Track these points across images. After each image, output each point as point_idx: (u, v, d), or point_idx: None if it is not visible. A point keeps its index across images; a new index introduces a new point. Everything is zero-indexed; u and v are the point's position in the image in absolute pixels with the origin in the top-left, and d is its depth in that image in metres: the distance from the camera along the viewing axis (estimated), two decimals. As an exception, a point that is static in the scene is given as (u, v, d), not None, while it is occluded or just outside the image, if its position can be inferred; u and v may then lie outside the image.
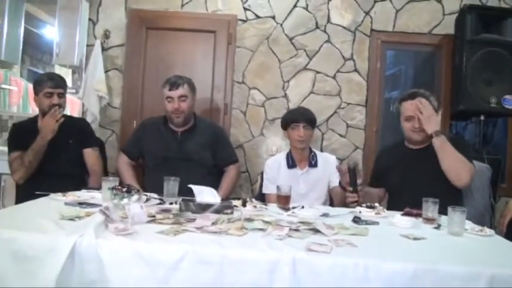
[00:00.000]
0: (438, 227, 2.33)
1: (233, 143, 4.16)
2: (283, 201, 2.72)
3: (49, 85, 3.29)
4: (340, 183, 3.06)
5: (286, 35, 4.54)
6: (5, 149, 4.19)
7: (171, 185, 2.68)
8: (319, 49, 4.54)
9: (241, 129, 4.57)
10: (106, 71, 4.52)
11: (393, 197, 3.18)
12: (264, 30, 4.54)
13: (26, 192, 3.01)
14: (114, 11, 4.59)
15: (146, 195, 2.67)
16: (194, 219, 2.10)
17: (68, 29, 4.39)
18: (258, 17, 4.55)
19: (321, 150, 4.19)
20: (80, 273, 1.66)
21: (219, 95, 4.52)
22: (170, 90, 3.43)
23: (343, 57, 4.54)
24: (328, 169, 3.44)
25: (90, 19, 4.58)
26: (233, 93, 4.55)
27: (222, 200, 2.59)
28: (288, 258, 1.65)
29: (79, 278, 1.66)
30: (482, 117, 4.25)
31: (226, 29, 4.50)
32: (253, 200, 2.75)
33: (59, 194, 2.60)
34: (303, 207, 2.59)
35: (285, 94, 4.54)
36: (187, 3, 4.57)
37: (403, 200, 2.72)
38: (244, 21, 4.55)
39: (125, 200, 2.35)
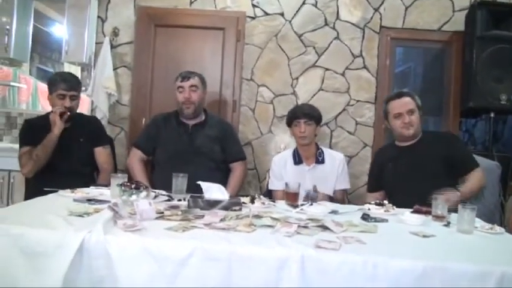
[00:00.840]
0: (448, 224, 2.31)
1: (241, 140, 4.16)
2: (292, 198, 2.71)
3: (62, 87, 3.29)
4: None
5: (295, 32, 4.53)
6: (14, 146, 4.23)
7: (180, 181, 2.69)
8: (328, 46, 4.53)
9: (249, 126, 4.56)
10: (115, 69, 4.53)
11: (389, 196, 3.19)
12: (272, 27, 4.54)
13: (35, 188, 3.03)
14: (123, 9, 4.61)
15: (155, 191, 2.68)
16: (202, 216, 2.10)
17: (76, 27, 4.41)
18: (266, 14, 4.54)
19: (330, 148, 4.18)
20: (88, 269, 1.67)
21: (228, 92, 4.51)
22: (182, 81, 3.52)
23: (352, 54, 4.52)
24: (335, 167, 3.46)
25: (99, 17, 4.59)
26: (242, 90, 4.54)
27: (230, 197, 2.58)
28: (296, 255, 1.64)
29: (87, 274, 1.67)
30: (492, 115, 4.22)
31: (235, 26, 4.49)
32: (262, 196, 2.75)
33: (68, 190, 2.61)
34: (311, 204, 2.59)
35: (294, 91, 4.54)
36: (195, 0, 4.57)
37: (397, 198, 2.73)
38: (253, 18, 4.54)
39: (134, 197, 2.35)
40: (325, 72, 4.53)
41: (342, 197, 3.49)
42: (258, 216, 2.16)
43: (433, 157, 3.08)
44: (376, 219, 2.33)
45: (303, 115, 3.39)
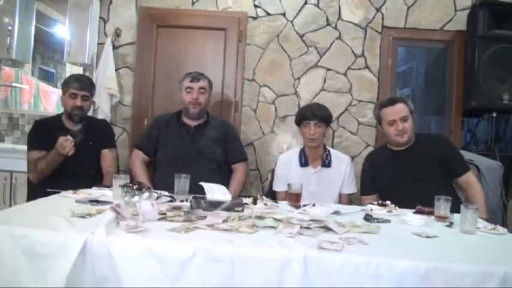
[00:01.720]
0: (450, 225, 2.32)
1: (243, 141, 4.17)
2: (294, 199, 2.70)
3: (74, 86, 3.31)
4: None
5: (296, 32, 4.53)
6: (16, 146, 4.25)
7: (182, 182, 2.69)
8: (330, 46, 4.52)
9: (251, 127, 4.56)
10: (117, 69, 4.53)
11: (385, 199, 3.19)
12: (274, 27, 4.53)
13: (38, 189, 3.02)
14: (125, 9, 4.61)
15: (157, 192, 2.67)
16: (205, 217, 2.11)
17: (78, 27, 4.42)
18: (268, 14, 4.54)
19: (332, 148, 4.16)
20: (91, 270, 1.67)
21: (230, 93, 4.51)
22: (192, 81, 3.54)
23: (354, 54, 4.52)
24: (341, 171, 3.41)
25: (101, 17, 4.60)
26: (243, 90, 4.54)
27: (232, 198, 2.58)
28: (299, 256, 1.64)
29: (90, 275, 1.67)
30: (494, 114, 4.22)
31: (237, 27, 4.50)
32: (264, 197, 2.74)
33: (70, 191, 2.60)
34: (314, 205, 2.58)
35: (296, 91, 4.53)
36: (197, 0, 4.56)
37: (395, 201, 2.72)
38: (254, 18, 4.54)
39: (136, 198, 2.35)
40: (327, 72, 4.52)
41: (347, 202, 3.39)
42: (260, 217, 2.16)
43: (428, 159, 3.10)
44: (378, 220, 2.33)
45: (314, 116, 3.30)
